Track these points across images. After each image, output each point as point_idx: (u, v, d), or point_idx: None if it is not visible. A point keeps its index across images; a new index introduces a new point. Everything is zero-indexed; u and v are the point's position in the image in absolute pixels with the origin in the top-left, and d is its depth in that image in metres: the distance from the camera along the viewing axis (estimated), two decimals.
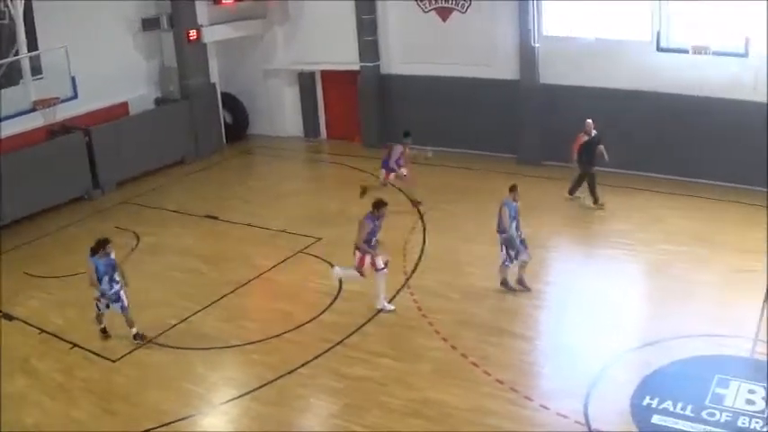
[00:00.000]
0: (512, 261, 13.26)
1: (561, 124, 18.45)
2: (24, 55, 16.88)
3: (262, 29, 23.23)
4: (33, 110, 16.81)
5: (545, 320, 12.95)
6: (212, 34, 22.19)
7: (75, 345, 12.58)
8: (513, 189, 13.23)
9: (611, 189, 17.28)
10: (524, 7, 19.08)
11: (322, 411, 10.86)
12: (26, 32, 16.98)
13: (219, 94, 23.16)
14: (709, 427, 9.62)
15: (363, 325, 12.71)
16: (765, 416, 9.73)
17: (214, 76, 22.88)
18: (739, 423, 9.68)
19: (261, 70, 23.70)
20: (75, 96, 17.50)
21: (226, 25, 22.45)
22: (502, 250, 13.22)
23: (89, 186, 19.60)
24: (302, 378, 11.39)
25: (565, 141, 17.21)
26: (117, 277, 12.23)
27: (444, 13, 20.67)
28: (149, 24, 21.49)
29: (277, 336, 12.55)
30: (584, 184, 17.01)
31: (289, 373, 11.47)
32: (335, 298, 13.64)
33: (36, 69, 17.40)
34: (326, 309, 13.32)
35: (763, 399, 10.05)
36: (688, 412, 9.90)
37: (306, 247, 15.77)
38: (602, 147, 16.60)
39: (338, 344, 12.18)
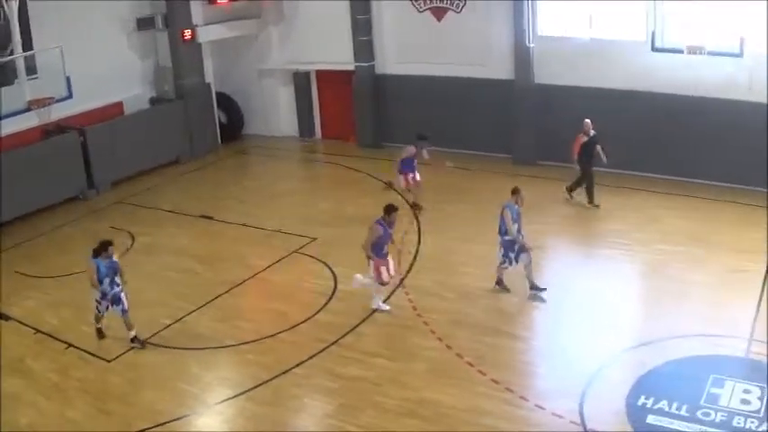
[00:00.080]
0: (511, 263, 13.19)
1: (556, 124, 18.50)
2: (19, 55, 16.83)
3: (256, 29, 23.18)
4: (28, 110, 16.76)
5: (540, 320, 12.94)
6: (207, 34, 22.16)
7: (70, 345, 12.56)
8: (515, 192, 13.11)
9: (608, 189, 17.26)
10: (519, 7, 19.06)
11: (317, 411, 10.85)
12: (21, 32, 16.93)
13: (214, 93, 23.14)
14: (704, 427, 9.64)
15: (358, 325, 12.70)
16: (761, 416, 9.74)
17: (209, 76, 22.86)
18: (734, 423, 9.69)
19: (256, 70, 23.66)
20: (69, 96, 17.45)
21: (220, 25, 22.41)
22: (500, 252, 13.18)
23: (84, 186, 19.57)
24: (297, 378, 11.38)
25: (560, 141, 17.21)
26: (118, 279, 12.19)
27: (439, 13, 20.66)
28: (144, 24, 21.46)
29: (272, 336, 12.54)
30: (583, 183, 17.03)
31: (283, 373, 11.46)
32: (330, 298, 13.64)
33: (31, 69, 17.35)
34: (321, 309, 13.31)
35: (758, 399, 10.05)
36: (683, 412, 9.91)
37: (301, 247, 15.76)
38: (599, 147, 16.61)
39: (333, 344, 12.17)
